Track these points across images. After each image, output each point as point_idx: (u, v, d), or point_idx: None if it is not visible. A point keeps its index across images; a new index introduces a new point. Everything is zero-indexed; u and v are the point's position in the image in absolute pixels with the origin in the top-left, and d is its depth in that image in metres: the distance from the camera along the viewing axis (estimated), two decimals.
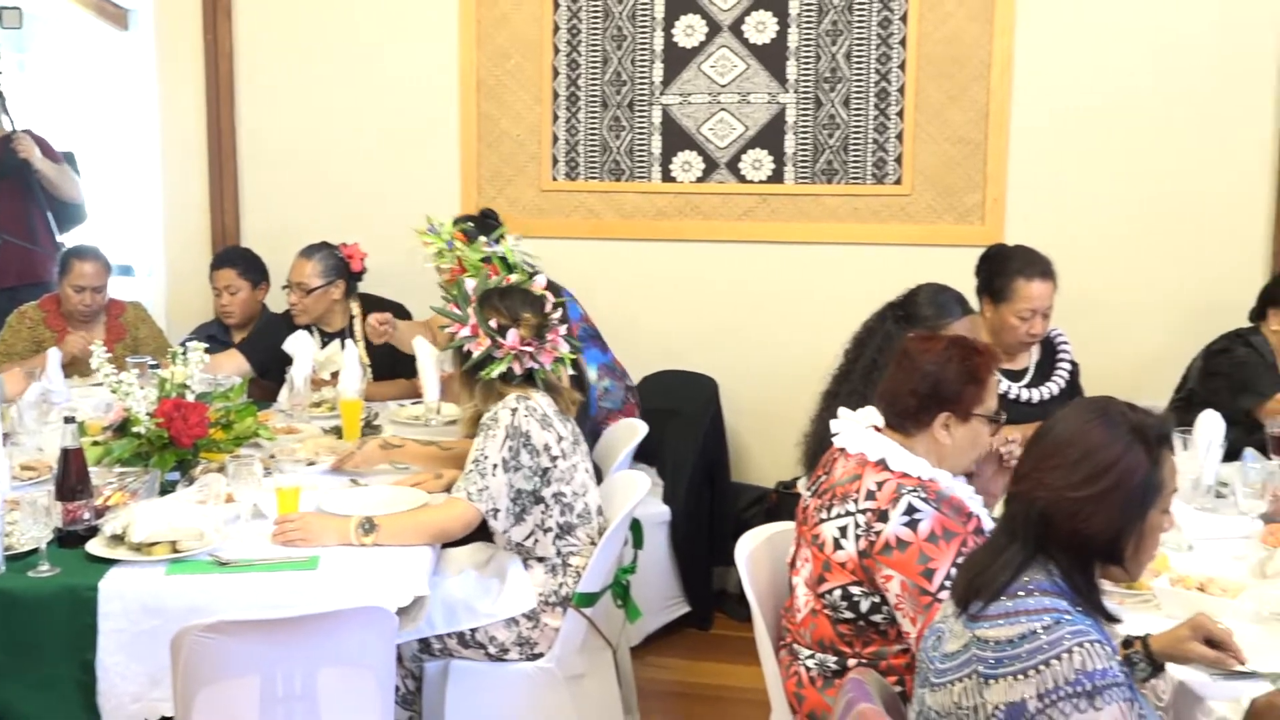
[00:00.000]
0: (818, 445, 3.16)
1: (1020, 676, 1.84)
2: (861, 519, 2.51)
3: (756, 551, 2.88)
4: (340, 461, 3.55)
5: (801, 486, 3.29)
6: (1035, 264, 3.84)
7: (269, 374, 4.48)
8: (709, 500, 4.69)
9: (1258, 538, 2.97)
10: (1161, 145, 4.55)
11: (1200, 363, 4.07)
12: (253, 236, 5.18)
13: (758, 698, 2.92)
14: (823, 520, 2.59)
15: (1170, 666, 2.27)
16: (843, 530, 2.54)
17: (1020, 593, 1.92)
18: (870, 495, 2.52)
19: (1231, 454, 3.30)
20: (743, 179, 4.84)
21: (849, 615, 2.55)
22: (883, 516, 2.48)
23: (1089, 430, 1.93)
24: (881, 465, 2.55)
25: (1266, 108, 4.47)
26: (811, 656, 2.63)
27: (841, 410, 2.79)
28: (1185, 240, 4.46)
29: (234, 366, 4.34)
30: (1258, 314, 4.03)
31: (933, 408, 2.58)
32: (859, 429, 2.67)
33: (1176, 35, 4.50)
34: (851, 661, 2.56)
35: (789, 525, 2.93)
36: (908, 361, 2.64)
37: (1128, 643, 2.26)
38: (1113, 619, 1.99)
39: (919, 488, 2.49)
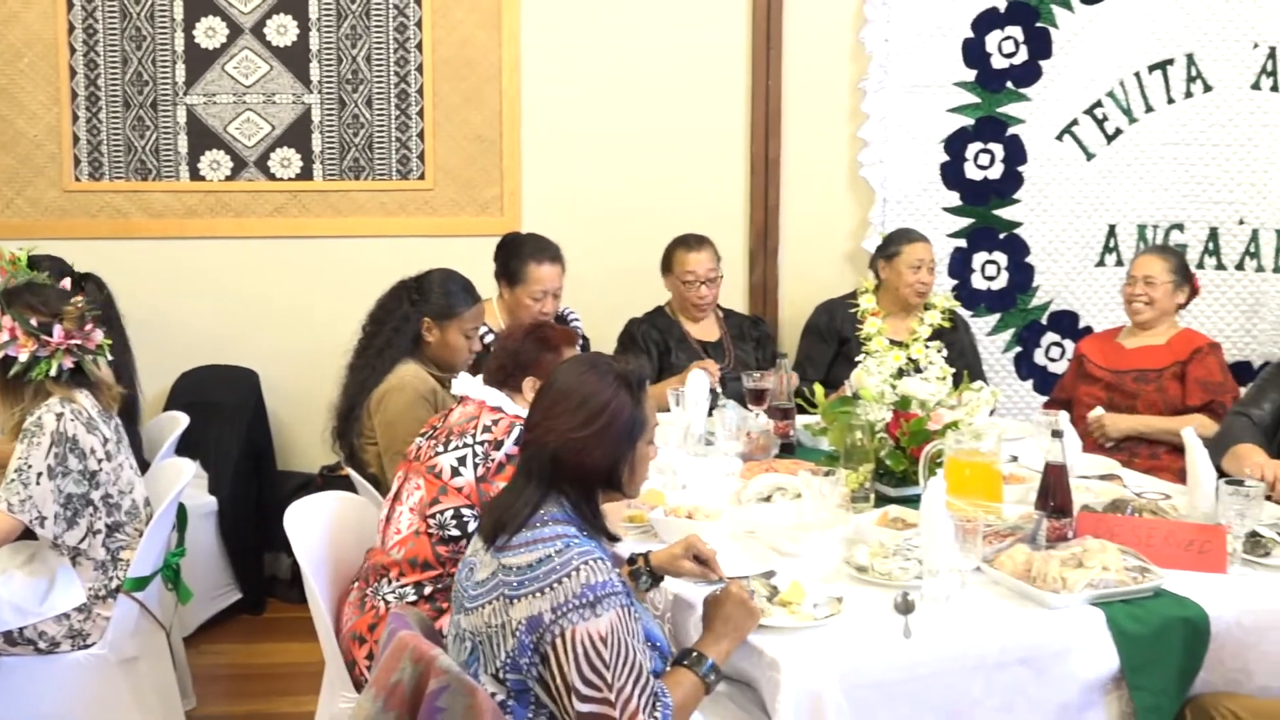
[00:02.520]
0: (345, 412, 3.53)
1: (538, 594, 2.18)
2: (479, 449, 2.92)
3: (307, 516, 3.09)
4: None
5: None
6: (546, 249, 4.27)
7: None
8: (255, 489, 4.84)
9: (738, 474, 3.50)
10: (653, 139, 5.10)
11: None
12: None
13: (313, 670, 3.15)
14: (439, 453, 2.95)
15: (668, 581, 2.70)
16: (461, 460, 2.93)
17: (538, 524, 2.27)
18: (487, 430, 2.95)
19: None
20: (272, 176, 4.99)
21: (455, 533, 2.89)
22: (498, 445, 2.91)
23: (584, 380, 2.31)
24: (498, 410, 2.99)
25: (738, 103, 5.11)
26: (391, 589, 2.90)
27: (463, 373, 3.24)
28: (680, 226, 4.99)
29: None
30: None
31: (519, 373, 3.04)
32: (479, 384, 3.08)
33: (660, 39, 5.05)
34: (428, 589, 2.88)
35: (337, 494, 3.23)
36: (498, 344, 3.20)
37: (632, 559, 2.68)
38: (614, 538, 2.39)
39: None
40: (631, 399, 2.32)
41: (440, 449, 2.97)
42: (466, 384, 3.11)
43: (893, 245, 4.74)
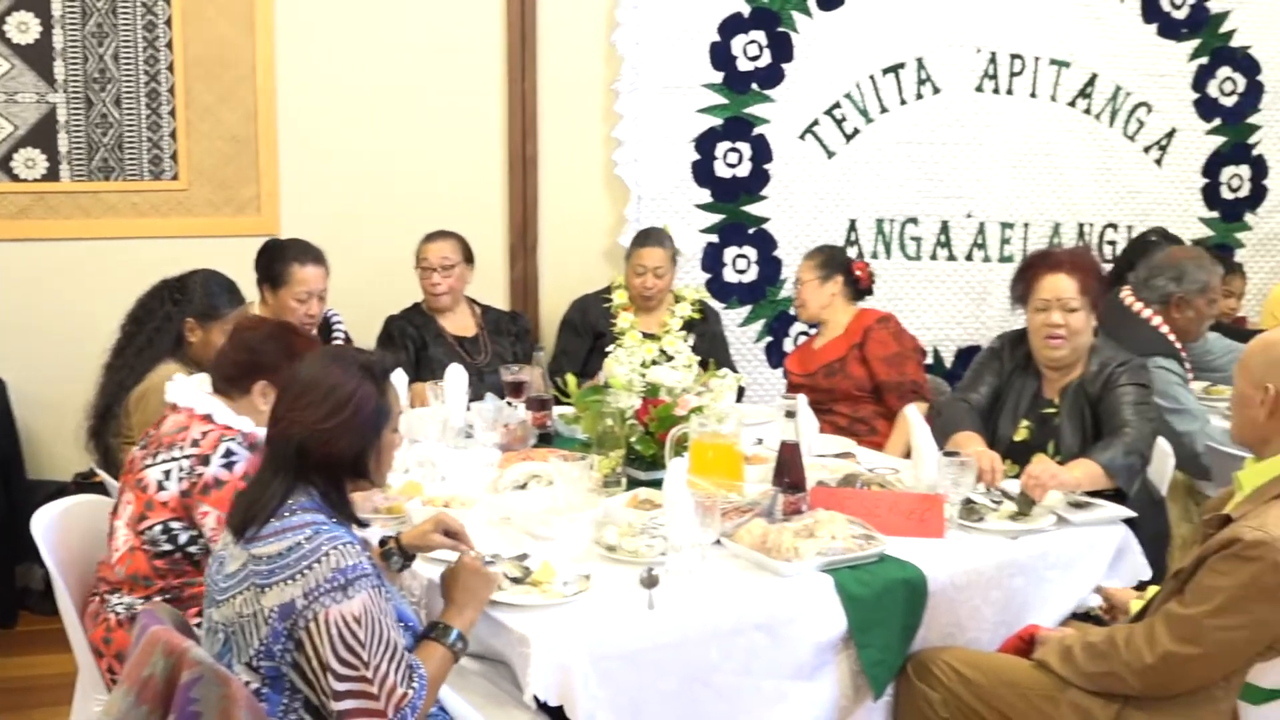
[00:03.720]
0: (102, 411, 3.49)
1: (290, 580, 2.23)
2: (185, 463, 2.88)
3: (54, 521, 3.05)
4: None
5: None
6: (308, 251, 4.28)
7: None
8: (4, 500, 4.69)
9: (496, 464, 3.60)
10: (411, 138, 5.14)
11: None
12: None
13: (69, 681, 3.10)
14: (148, 466, 2.91)
15: (422, 566, 2.78)
16: (167, 474, 2.89)
17: (286, 514, 2.31)
18: (195, 443, 2.90)
19: None
20: (16, 178, 4.84)
21: (167, 548, 2.88)
22: (205, 460, 2.87)
23: (328, 371, 2.37)
24: (208, 419, 2.93)
25: (494, 103, 5.21)
26: (121, 601, 2.90)
27: (177, 376, 3.13)
28: (439, 224, 5.03)
29: None
30: None
31: (253, 375, 2.98)
32: (191, 389, 3.02)
33: (416, 39, 5.10)
34: (158, 597, 2.86)
35: (86, 498, 3.19)
36: (236, 336, 3.07)
37: (384, 542, 2.74)
38: (362, 524, 2.46)
39: (239, 437, 2.89)
40: (376, 389, 2.38)
41: (150, 460, 2.94)
42: (179, 389, 3.05)
43: (630, 247, 4.92)
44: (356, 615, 2.22)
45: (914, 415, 3.41)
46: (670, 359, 3.68)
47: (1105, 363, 3.63)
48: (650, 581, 2.66)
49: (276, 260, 4.26)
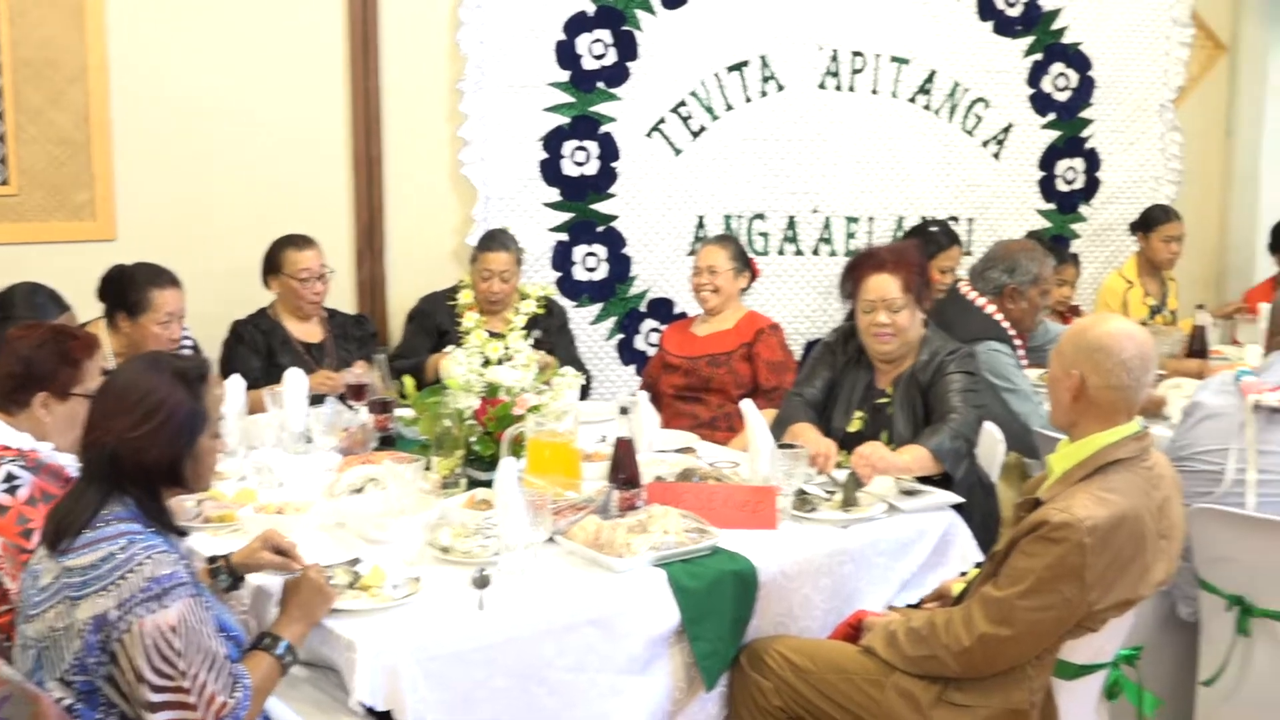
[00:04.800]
0: None
1: (103, 592, 2.19)
2: None
3: None
4: None
5: None
6: (162, 274, 4.13)
7: None
8: None
9: (336, 469, 3.57)
10: (252, 140, 5.04)
11: None
12: None
13: None
14: None
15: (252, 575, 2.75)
16: None
17: (100, 524, 2.27)
18: None
19: None
20: None
21: None
22: None
23: (140, 378, 2.33)
24: None
25: (338, 104, 5.14)
26: None
27: None
28: (283, 227, 4.94)
29: None
30: None
31: (30, 387, 2.83)
32: None
33: (255, 39, 5.01)
34: None
35: None
36: (8, 347, 2.87)
37: (213, 559, 2.70)
38: (182, 533, 2.42)
39: (19, 457, 2.76)
40: (189, 394, 2.34)
41: None
42: None
43: (475, 251, 4.92)
44: (173, 625, 2.18)
45: (749, 409, 3.46)
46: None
47: (935, 352, 3.73)
48: (482, 582, 2.67)
49: (130, 288, 4.13)
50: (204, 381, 2.40)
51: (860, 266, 3.81)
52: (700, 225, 5.63)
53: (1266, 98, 6.65)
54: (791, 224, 5.79)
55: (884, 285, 3.70)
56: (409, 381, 3.70)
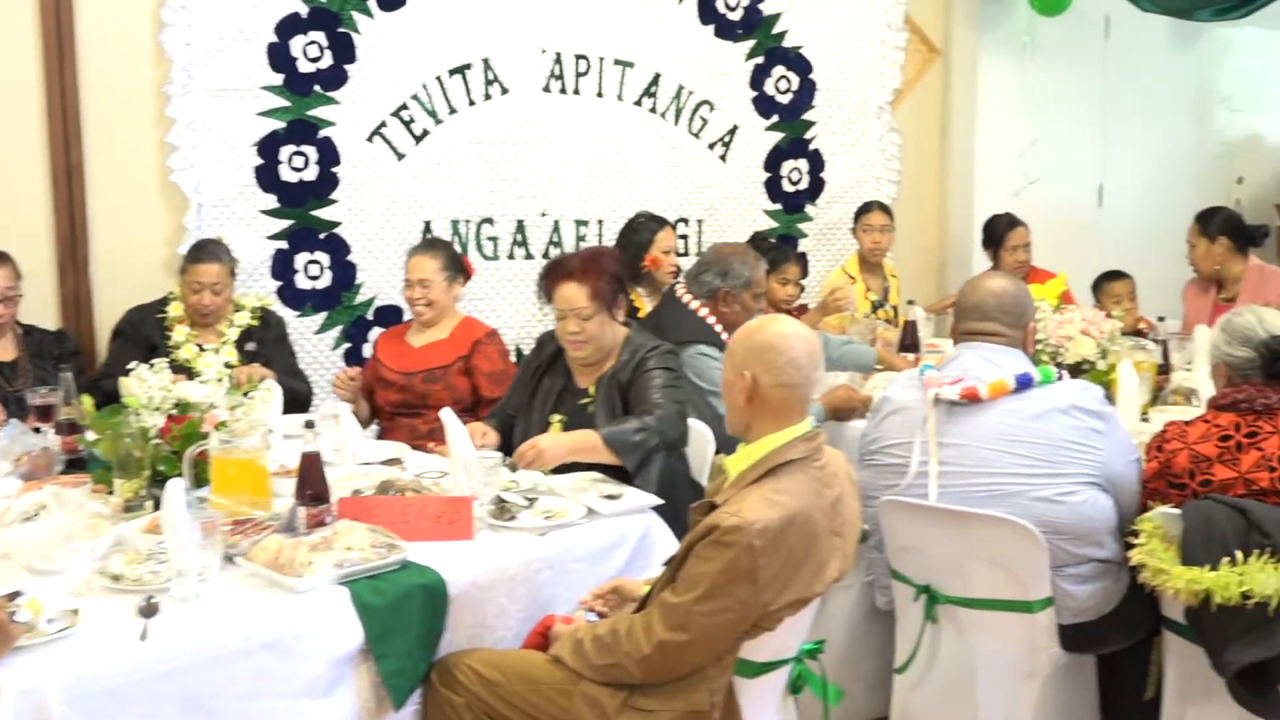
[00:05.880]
0: None
1: None
2: None
3: None
4: None
5: None
6: None
7: None
8: None
9: (14, 494, 3.37)
10: None
11: None
12: None
13: None
14: None
15: None
16: None
17: None
18: None
19: None
20: None
21: None
22: None
23: None
24: None
25: (32, 110, 4.86)
26: None
27: None
28: None
29: None
30: None
31: None
32: None
33: None
34: None
35: None
36: None
37: None
38: None
39: None
40: None
41: None
42: None
43: (184, 262, 4.73)
44: None
45: (448, 418, 3.40)
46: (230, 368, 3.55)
47: (636, 350, 3.76)
48: (148, 610, 2.56)
49: None
50: None
51: (551, 275, 3.82)
52: (427, 230, 5.54)
53: (978, 99, 6.93)
54: (521, 228, 5.76)
55: (572, 295, 3.72)
56: (87, 400, 3.52)
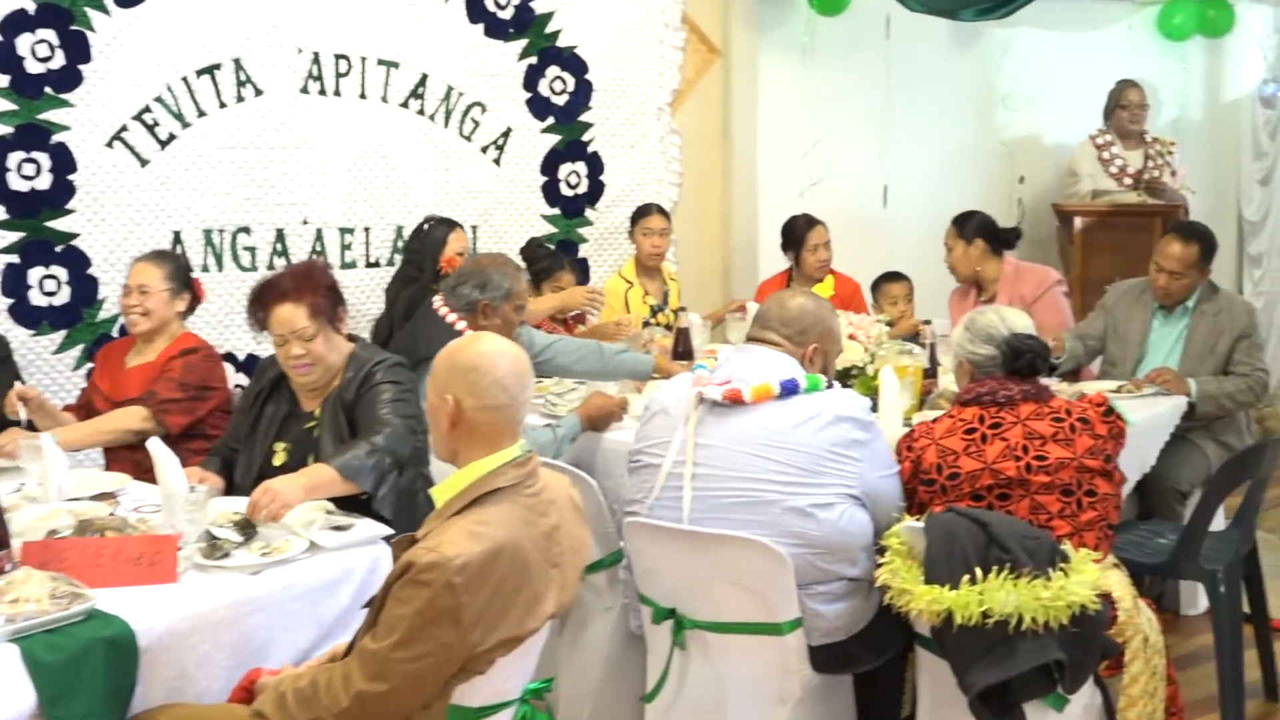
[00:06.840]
0: None
1: None
2: None
3: None
4: None
5: None
6: None
7: None
8: None
9: None
10: None
11: None
12: None
13: None
14: None
15: None
16: None
17: None
18: None
19: None
20: None
21: None
22: None
23: None
24: None
25: None
26: None
27: None
28: None
29: None
30: None
31: None
32: None
33: None
34: None
35: None
36: None
37: None
38: None
39: None
40: None
41: None
42: None
43: None
44: None
45: (155, 447, 3.13)
46: None
47: (362, 365, 3.55)
48: None
49: None
50: None
51: (262, 299, 3.58)
52: (177, 241, 5.21)
53: (759, 100, 6.87)
54: (281, 237, 5.46)
55: (290, 316, 3.49)
56: None
